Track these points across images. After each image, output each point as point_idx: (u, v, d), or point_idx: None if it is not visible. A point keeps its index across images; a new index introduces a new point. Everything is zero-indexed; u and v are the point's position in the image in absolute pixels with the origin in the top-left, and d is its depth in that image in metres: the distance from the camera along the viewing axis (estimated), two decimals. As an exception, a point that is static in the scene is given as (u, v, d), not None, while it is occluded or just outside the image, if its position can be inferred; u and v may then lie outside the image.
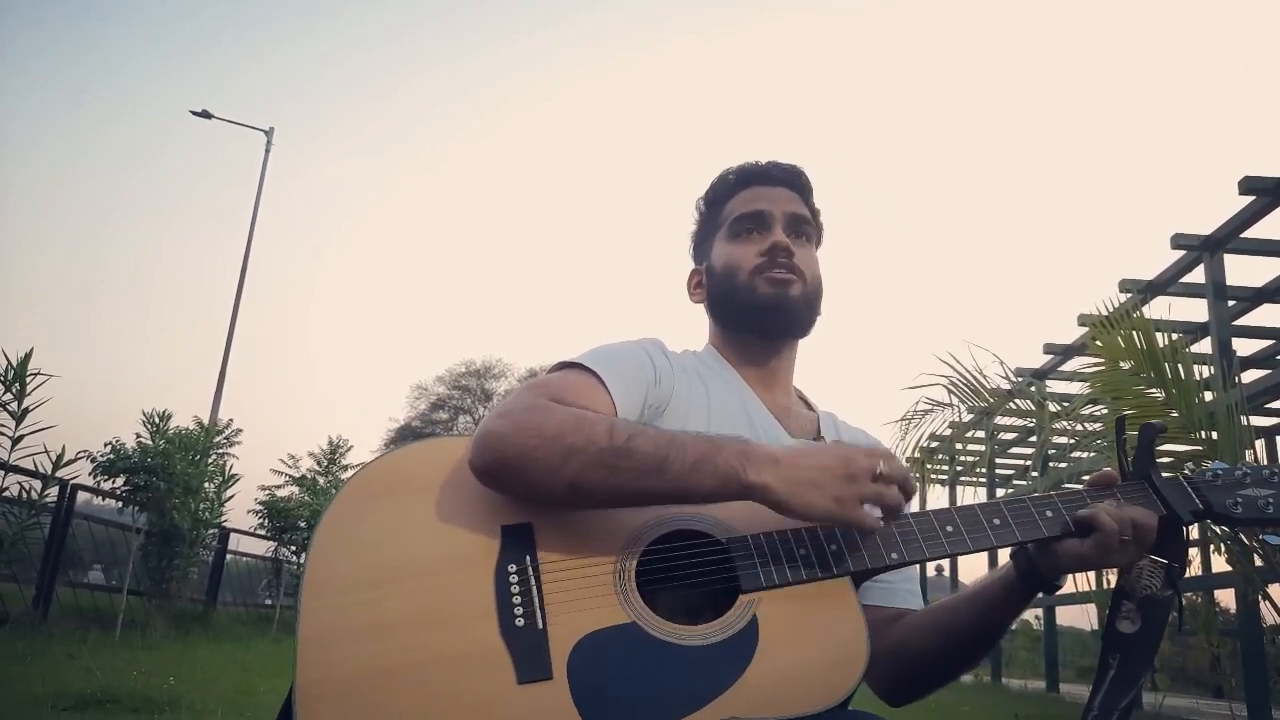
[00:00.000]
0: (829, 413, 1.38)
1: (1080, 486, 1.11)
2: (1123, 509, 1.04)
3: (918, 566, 1.23)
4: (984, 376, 5.06)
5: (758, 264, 1.27)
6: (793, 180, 1.35)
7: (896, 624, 1.20)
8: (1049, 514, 1.07)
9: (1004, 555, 1.15)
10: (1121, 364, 4.16)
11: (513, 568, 0.98)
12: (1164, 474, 1.09)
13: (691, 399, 1.22)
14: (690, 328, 1.43)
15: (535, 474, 0.97)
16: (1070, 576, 1.13)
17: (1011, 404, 5.43)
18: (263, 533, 11.18)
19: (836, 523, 0.98)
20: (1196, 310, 7.35)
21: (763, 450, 0.99)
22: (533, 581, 0.97)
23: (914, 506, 1.35)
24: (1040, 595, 1.12)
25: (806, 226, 1.33)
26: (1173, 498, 1.06)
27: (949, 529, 1.06)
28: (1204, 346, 6.70)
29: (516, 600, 0.96)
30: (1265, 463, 1.33)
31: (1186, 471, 1.11)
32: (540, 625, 0.94)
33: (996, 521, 1.06)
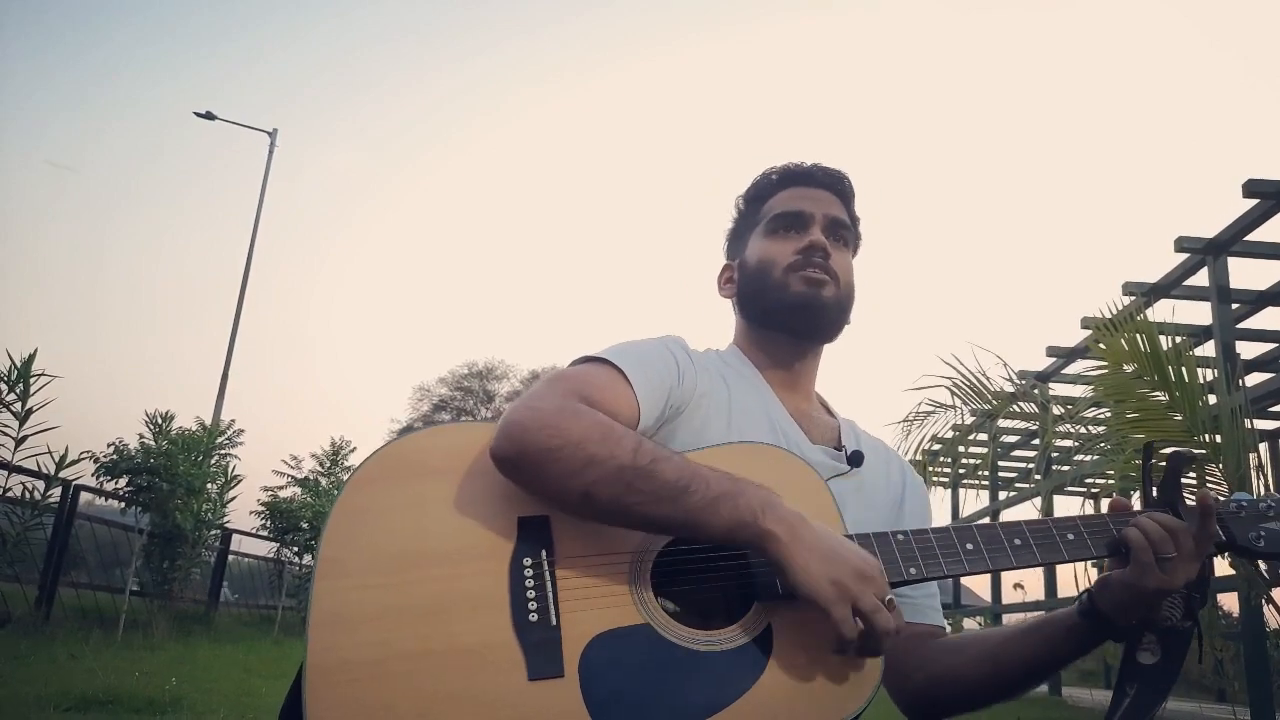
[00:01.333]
0: (849, 420, 1.36)
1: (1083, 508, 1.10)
2: (1152, 518, 1.02)
3: (937, 584, 1.21)
4: (987, 379, 5.05)
5: (792, 261, 1.25)
6: (836, 185, 1.33)
7: (934, 643, 1.18)
8: (1070, 537, 1.06)
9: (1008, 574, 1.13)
10: (1125, 367, 4.14)
11: (528, 561, 0.97)
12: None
13: (713, 399, 1.20)
14: (698, 329, 1.42)
15: (552, 474, 0.96)
16: (1073, 577, 1.11)
17: (1014, 406, 5.41)
18: (265, 534, 11.19)
19: (818, 605, 0.91)
20: (1200, 313, 7.35)
21: (787, 507, 0.96)
22: (547, 576, 0.96)
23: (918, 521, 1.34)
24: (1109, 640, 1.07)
25: (845, 232, 1.31)
26: None
27: (969, 546, 1.05)
28: (1207, 350, 6.68)
29: (530, 595, 0.95)
30: None
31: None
32: (554, 622, 0.94)
33: (1017, 542, 1.05)
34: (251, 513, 11.16)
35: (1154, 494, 1.09)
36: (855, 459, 1.23)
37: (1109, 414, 4.52)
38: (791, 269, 1.25)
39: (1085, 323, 7.73)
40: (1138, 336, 4.03)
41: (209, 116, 16.04)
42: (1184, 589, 1.02)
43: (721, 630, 0.97)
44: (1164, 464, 1.10)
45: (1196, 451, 3.65)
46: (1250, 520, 1.07)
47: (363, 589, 0.93)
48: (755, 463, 1.06)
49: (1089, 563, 1.12)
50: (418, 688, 0.88)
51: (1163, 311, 6.80)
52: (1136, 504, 1.12)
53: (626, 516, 0.97)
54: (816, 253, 1.25)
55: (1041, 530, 1.06)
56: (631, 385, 1.09)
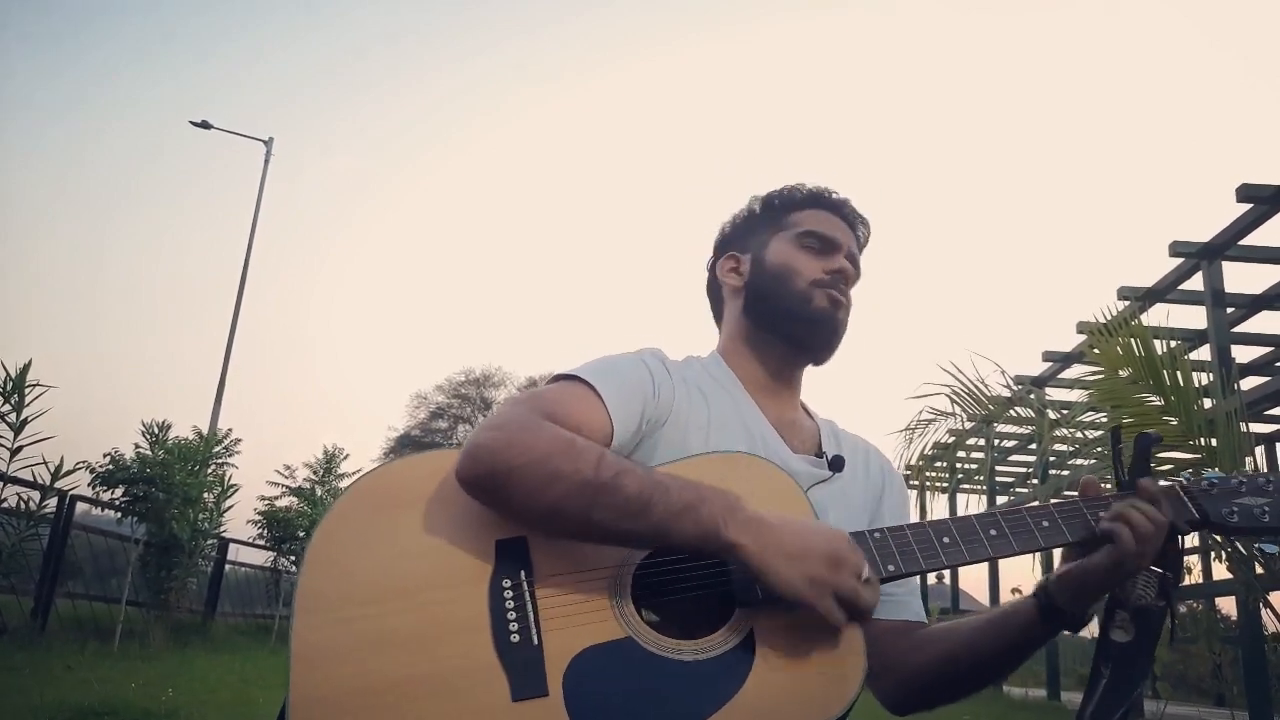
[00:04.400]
0: (829, 421, 1.37)
1: (1074, 495, 1.12)
2: (1144, 514, 1.03)
3: (918, 576, 1.23)
4: (985, 385, 5.06)
5: (819, 279, 1.28)
6: (858, 227, 1.37)
7: (914, 636, 1.20)
8: (1045, 524, 1.07)
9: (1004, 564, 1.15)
10: (1120, 371, 4.16)
11: (507, 583, 0.97)
12: (1160, 483, 1.08)
13: (691, 412, 1.20)
14: (693, 336, 1.42)
15: (518, 492, 0.96)
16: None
17: (1011, 412, 5.43)
18: (262, 543, 11.16)
19: (802, 603, 0.95)
20: (1195, 317, 7.36)
21: (749, 510, 0.97)
22: (527, 597, 0.96)
23: (913, 515, 1.36)
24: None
25: (857, 272, 1.35)
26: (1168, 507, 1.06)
27: (945, 540, 1.06)
28: (1203, 354, 6.71)
29: (511, 616, 0.95)
30: (1261, 470, 1.33)
31: (1183, 480, 1.11)
32: (535, 641, 0.94)
33: (993, 533, 1.06)
34: (248, 521, 11.13)
35: (1124, 477, 1.11)
36: (836, 464, 1.24)
37: (1105, 418, 4.53)
38: (818, 284, 1.27)
39: (1081, 327, 7.74)
40: (1133, 341, 4.04)
41: (205, 125, 16.02)
42: (1157, 569, 1.05)
43: (704, 639, 0.98)
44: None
45: (1160, 433, 3.68)
46: (1222, 496, 1.09)
47: (343, 621, 0.93)
48: (733, 473, 1.06)
49: None
50: (402, 715, 0.89)
51: (1158, 316, 6.78)
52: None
53: (596, 532, 0.97)
54: (844, 279, 1.29)
55: (1016, 519, 1.07)
56: (603, 401, 1.09)
